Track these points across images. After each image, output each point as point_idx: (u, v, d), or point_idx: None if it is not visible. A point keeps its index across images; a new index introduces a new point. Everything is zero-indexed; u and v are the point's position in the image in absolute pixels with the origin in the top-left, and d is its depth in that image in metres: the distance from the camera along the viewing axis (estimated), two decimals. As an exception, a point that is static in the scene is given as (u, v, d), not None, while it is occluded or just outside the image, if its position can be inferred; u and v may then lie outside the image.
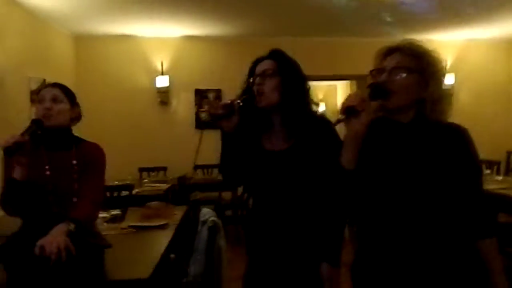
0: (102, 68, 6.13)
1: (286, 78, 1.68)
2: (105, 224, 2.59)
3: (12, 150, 1.65)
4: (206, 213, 2.39)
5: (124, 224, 2.63)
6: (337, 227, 1.60)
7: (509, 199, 3.55)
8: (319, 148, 1.63)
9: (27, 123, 1.81)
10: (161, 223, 2.60)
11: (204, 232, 2.28)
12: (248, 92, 1.72)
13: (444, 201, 1.31)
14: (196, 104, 6.33)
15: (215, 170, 5.74)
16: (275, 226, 1.70)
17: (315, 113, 1.77)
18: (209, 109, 1.66)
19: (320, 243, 1.59)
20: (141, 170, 5.91)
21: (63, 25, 5.51)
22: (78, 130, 2.02)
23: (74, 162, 1.88)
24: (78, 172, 1.88)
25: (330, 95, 9.55)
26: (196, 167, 5.85)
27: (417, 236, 1.32)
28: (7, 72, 4.04)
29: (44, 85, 2.08)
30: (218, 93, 6.31)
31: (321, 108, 8.67)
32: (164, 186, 4.93)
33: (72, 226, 1.68)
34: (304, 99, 1.72)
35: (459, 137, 1.36)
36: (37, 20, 4.95)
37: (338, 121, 1.30)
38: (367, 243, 1.45)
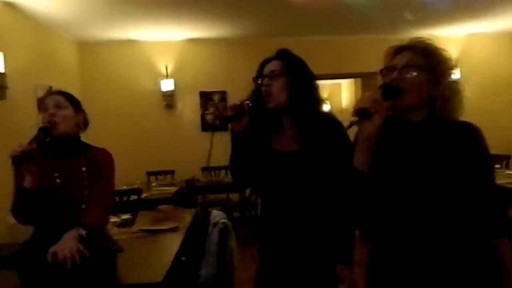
0: (107, 74, 6.16)
1: (294, 78, 1.67)
2: (115, 228, 2.59)
3: (20, 159, 1.65)
4: (217, 215, 2.39)
5: (135, 228, 2.64)
6: (349, 227, 1.60)
7: (520, 193, 3.53)
8: (328, 149, 1.63)
9: (34, 131, 1.82)
10: (172, 226, 2.60)
11: (215, 234, 2.29)
12: (257, 93, 1.72)
13: (458, 200, 1.30)
14: (201, 107, 6.34)
15: (223, 172, 5.76)
16: (286, 226, 1.70)
17: (324, 113, 1.76)
18: (220, 111, 1.67)
19: (333, 243, 1.59)
20: (149, 174, 5.94)
21: (67, 32, 5.55)
22: (85, 136, 2.03)
23: (84, 169, 1.89)
24: (88, 178, 1.89)
25: (335, 94, 9.53)
26: (204, 169, 5.87)
27: (431, 235, 1.31)
28: (14, 80, 4.07)
29: (50, 92, 2.10)
30: (223, 95, 6.32)
31: (326, 107, 8.64)
32: (173, 189, 4.95)
33: (83, 232, 1.69)
34: (313, 98, 1.71)
35: (471, 135, 1.34)
36: (42, 28, 4.98)
37: (352, 124, 1.27)
38: (381, 244, 1.44)
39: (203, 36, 6.10)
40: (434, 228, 1.31)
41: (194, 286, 2.31)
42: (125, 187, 4.58)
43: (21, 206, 1.78)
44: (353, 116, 1.26)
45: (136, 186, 4.75)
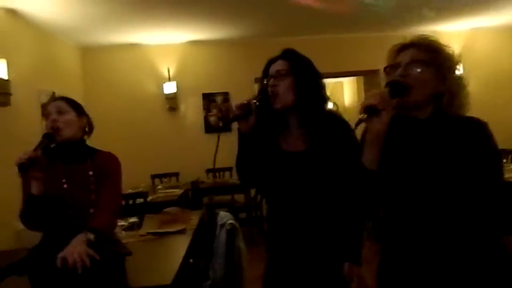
0: (109, 78, 6.19)
1: (300, 77, 1.67)
2: (123, 232, 2.60)
3: (26, 166, 1.66)
4: (224, 216, 2.40)
5: (142, 231, 2.64)
6: (357, 225, 1.60)
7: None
8: (336, 148, 1.62)
9: (39, 137, 1.83)
10: (179, 228, 2.60)
11: (222, 236, 2.29)
12: (263, 92, 1.71)
13: (468, 196, 1.29)
14: (204, 108, 6.36)
15: (227, 173, 5.76)
16: (294, 226, 1.70)
17: (331, 112, 1.75)
18: (223, 113, 1.67)
19: (341, 242, 1.59)
20: (154, 177, 5.95)
21: (69, 37, 5.57)
22: (88, 141, 2.03)
23: (90, 173, 1.90)
24: (95, 183, 1.89)
25: (337, 92, 9.51)
26: (208, 171, 5.88)
27: (441, 232, 1.30)
28: (17, 86, 4.08)
29: (52, 98, 2.11)
30: (225, 96, 6.33)
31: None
32: (178, 191, 4.95)
33: (91, 236, 1.69)
34: (320, 97, 1.71)
35: (479, 131, 1.33)
36: (44, 34, 5.00)
37: (360, 121, 1.25)
38: (391, 242, 1.44)
39: (204, 38, 6.12)
40: (444, 226, 1.30)
41: (203, 288, 2.32)
42: (130, 190, 4.59)
43: (29, 213, 1.79)
44: (361, 113, 1.25)
45: (141, 190, 4.76)
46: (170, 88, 6.18)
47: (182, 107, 6.34)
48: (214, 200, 5.58)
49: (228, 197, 5.59)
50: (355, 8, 4.98)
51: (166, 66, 6.24)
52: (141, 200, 4.23)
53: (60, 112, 1.88)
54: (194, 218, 2.90)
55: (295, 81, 1.66)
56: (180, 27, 5.53)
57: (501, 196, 1.34)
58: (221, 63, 6.36)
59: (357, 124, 1.27)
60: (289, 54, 1.72)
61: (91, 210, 1.85)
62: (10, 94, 3.93)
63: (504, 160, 4.73)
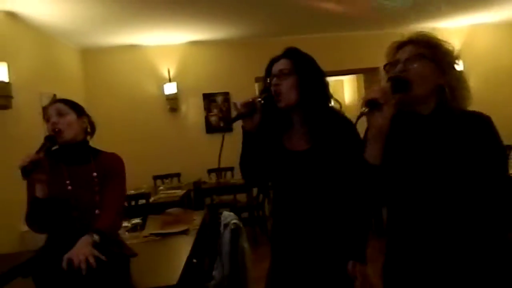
0: (110, 80, 6.19)
1: (303, 76, 1.66)
2: (126, 233, 2.60)
3: (29, 170, 1.66)
4: (227, 216, 2.40)
5: (146, 232, 2.64)
6: (362, 224, 1.59)
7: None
8: (339, 147, 1.62)
9: (40, 139, 1.83)
10: (182, 229, 2.61)
11: (226, 235, 2.29)
12: (267, 91, 1.71)
13: (473, 192, 1.29)
14: (205, 109, 6.36)
15: (229, 174, 5.77)
16: (299, 225, 1.70)
17: (335, 110, 1.75)
18: (236, 109, 1.66)
19: (346, 240, 1.59)
20: (155, 178, 5.96)
21: (69, 40, 5.58)
22: (90, 142, 2.03)
23: (94, 174, 1.90)
24: (99, 184, 1.89)
25: (337, 91, 9.50)
26: (210, 171, 5.89)
27: (446, 229, 1.30)
28: (19, 89, 4.09)
29: (52, 100, 2.11)
30: (226, 96, 6.33)
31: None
32: (180, 192, 4.96)
33: (96, 237, 1.69)
34: (324, 95, 1.71)
35: (483, 125, 1.33)
36: (44, 37, 5.01)
37: (361, 114, 1.26)
38: (396, 240, 1.44)
39: (204, 38, 6.12)
40: (450, 222, 1.29)
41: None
42: (132, 191, 4.60)
43: (35, 215, 1.79)
44: (362, 107, 1.25)
45: (143, 191, 4.77)
46: (170, 89, 6.18)
47: (183, 107, 6.34)
48: (216, 200, 5.58)
49: (230, 197, 5.60)
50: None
51: (166, 67, 6.24)
52: (143, 201, 4.24)
53: (60, 114, 1.89)
54: (197, 219, 2.90)
55: (298, 80, 1.66)
56: (179, 27, 5.53)
57: (507, 191, 1.33)
58: (221, 63, 6.37)
59: (358, 117, 1.27)
60: (292, 53, 1.72)
61: (96, 211, 1.85)
62: (11, 97, 3.93)
63: (506, 156, 4.73)
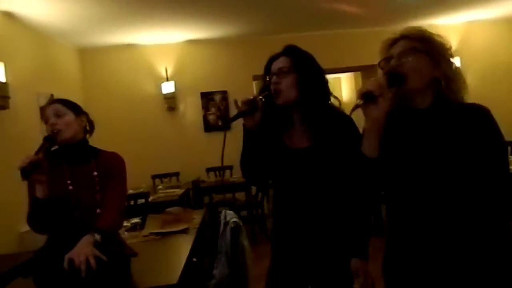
0: (107, 79, 6.18)
1: (302, 73, 1.66)
2: (126, 233, 2.60)
3: (28, 171, 1.65)
4: (227, 214, 2.40)
5: (145, 232, 2.64)
6: (364, 221, 1.60)
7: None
8: (339, 145, 1.62)
9: (38, 139, 1.83)
10: (182, 227, 2.61)
11: (227, 234, 2.29)
12: (267, 89, 1.71)
13: (473, 185, 1.29)
14: (203, 107, 6.36)
15: (227, 172, 5.77)
16: (300, 223, 1.70)
17: (335, 108, 1.75)
18: (237, 107, 1.65)
19: (348, 238, 1.60)
20: (154, 177, 5.96)
21: (66, 40, 5.56)
22: (89, 142, 2.03)
23: (95, 173, 1.90)
24: (100, 183, 1.89)
25: (335, 88, 9.41)
26: (209, 169, 5.89)
27: (447, 225, 1.30)
28: (16, 89, 4.08)
29: (49, 101, 2.10)
30: (224, 94, 6.33)
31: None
32: (179, 191, 4.96)
33: (98, 237, 1.69)
34: (323, 93, 1.71)
35: (482, 117, 1.32)
36: (41, 37, 5.00)
37: (356, 106, 1.26)
38: (396, 236, 1.44)
39: (202, 37, 6.11)
40: (450, 217, 1.30)
41: (208, 287, 2.32)
42: (131, 191, 4.59)
43: (36, 216, 1.79)
44: (358, 99, 1.25)
45: (142, 190, 4.77)
46: (168, 88, 6.17)
47: (181, 106, 6.33)
48: (215, 199, 5.58)
49: (229, 195, 5.60)
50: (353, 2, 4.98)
51: (164, 66, 6.23)
52: (143, 200, 4.24)
53: (58, 115, 1.88)
54: (197, 217, 2.91)
55: (298, 78, 1.66)
56: (177, 26, 5.52)
57: (507, 183, 1.33)
58: (219, 61, 6.36)
59: (353, 109, 1.28)
60: (291, 51, 1.72)
61: (98, 211, 1.85)
62: (8, 97, 3.92)
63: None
